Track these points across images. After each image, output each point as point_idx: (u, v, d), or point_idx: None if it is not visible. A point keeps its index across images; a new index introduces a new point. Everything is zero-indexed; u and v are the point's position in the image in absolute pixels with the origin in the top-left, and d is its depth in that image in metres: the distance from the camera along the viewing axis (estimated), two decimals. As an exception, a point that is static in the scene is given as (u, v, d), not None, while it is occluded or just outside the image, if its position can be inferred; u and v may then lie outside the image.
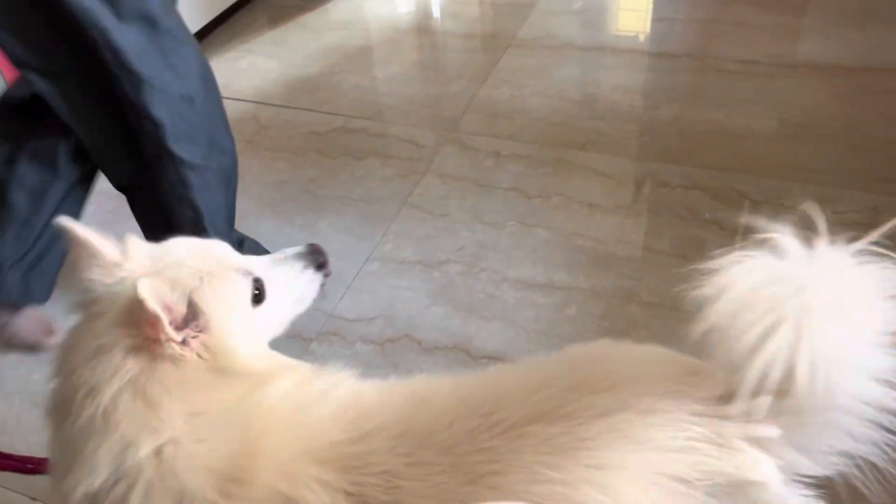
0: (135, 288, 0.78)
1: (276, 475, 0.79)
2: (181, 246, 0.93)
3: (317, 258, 1.10)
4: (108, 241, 0.90)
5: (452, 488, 0.77)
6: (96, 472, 0.79)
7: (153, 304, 0.77)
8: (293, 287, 1.06)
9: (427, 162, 2.32)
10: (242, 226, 2.13)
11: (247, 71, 2.94)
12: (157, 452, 0.79)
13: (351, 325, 1.81)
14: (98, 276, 0.88)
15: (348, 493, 0.78)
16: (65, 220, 0.89)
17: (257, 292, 0.97)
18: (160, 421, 0.80)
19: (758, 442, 0.78)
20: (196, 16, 2.96)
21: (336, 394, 0.89)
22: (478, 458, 0.78)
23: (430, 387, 0.89)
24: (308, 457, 0.81)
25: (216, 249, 0.95)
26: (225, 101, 1.70)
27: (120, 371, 0.80)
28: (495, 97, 2.59)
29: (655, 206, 2.05)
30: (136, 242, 0.92)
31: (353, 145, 2.44)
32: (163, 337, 0.80)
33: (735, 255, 0.80)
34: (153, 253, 0.91)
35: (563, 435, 0.79)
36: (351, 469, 0.80)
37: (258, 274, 0.98)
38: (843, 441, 0.79)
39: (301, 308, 1.09)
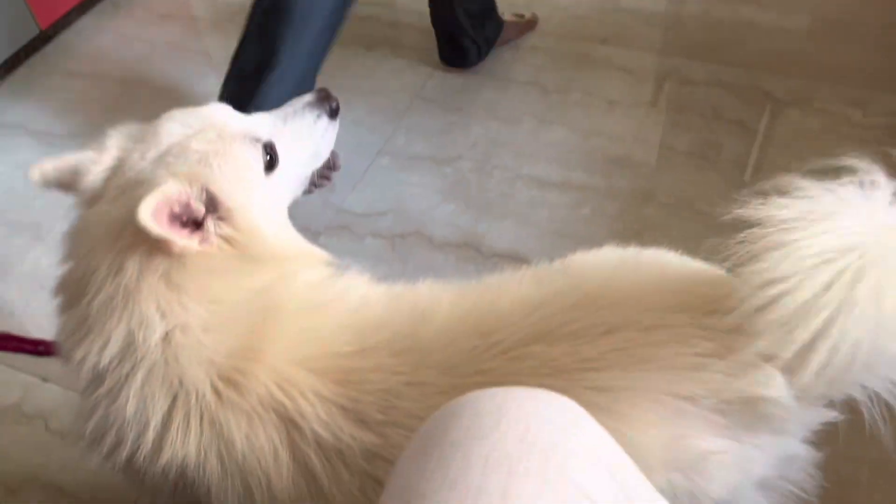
0: (139, 201, 0.73)
1: (273, 381, 0.78)
2: (177, 123, 0.87)
3: (329, 104, 1.02)
4: (78, 153, 0.86)
5: None
6: (108, 347, 0.78)
7: (159, 230, 0.74)
8: (307, 142, 0.99)
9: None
10: (250, 115, 2.08)
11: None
12: (167, 336, 0.78)
13: (361, 220, 1.78)
14: (91, 177, 0.85)
15: (344, 409, 0.77)
16: (32, 172, 0.86)
17: (269, 157, 0.90)
18: (180, 304, 0.78)
19: (770, 357, 0.74)
20: None
21: (346, 300, 0.87)
22: (477, 381, 0.76)
23: (433, 300, 0.86)
24: (308, 365, 0.79)
25: (215, 116, 0.89)
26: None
27: (149, 267, 0.78)
28: (514, -15, 2.47)
29: (677, 104, 1.98)
30: (117, 132, 0.88)
31: (363, 34, 2.34)
32: (176, 249, 0.77)
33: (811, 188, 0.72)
34: (144, 135, 0.86)
35: (564, 356, 0.76)
36: (349, 384, 0.78)
37: (267, 137, 0.92)
38: (867, 381, 0.74)
39: (318, 163, 1.03)
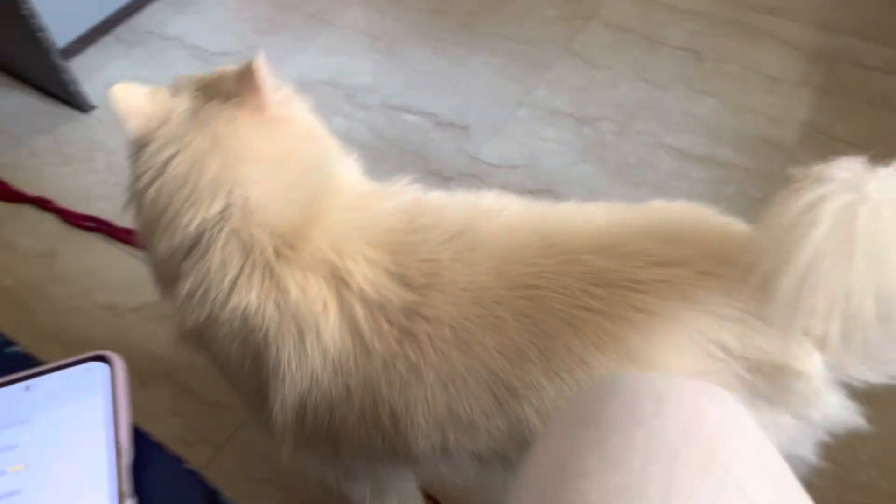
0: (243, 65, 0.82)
1: (328, 245, 0.84)
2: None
3: None
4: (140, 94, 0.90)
5: (491, 287, 0.80)
6: (217, 202, 0.82)
7: (267, 84, 0.82)
8: None
9: (594, 6, 2.14)
10: (393, 51, 2.08)
11: None
12: (244, 198, 0.82)
13: (493, 171, 1.77)
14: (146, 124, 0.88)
15: (390, 272, 0.83)
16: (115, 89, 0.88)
17: None
18: (260, 167, 0.83)
19: (810, 333, 0.74)
20: None
21: (401, 194, 0.92)
22: (522, 270, 0.80)
23: (499, 202, 0.90)
24: (362, 235, 0.85)
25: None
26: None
27: (243, 138, 0.83)
28: (679, -58, 2.33)
29: (845, 87, 1.84)
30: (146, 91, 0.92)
31: (515, -21, 2.28)
32: (266, 101, 0.84)
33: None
34: (176, 92, 0.90)
35: (614, 272, 0.78)
36: (398, 253, 0.84)
37: None
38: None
39: None
